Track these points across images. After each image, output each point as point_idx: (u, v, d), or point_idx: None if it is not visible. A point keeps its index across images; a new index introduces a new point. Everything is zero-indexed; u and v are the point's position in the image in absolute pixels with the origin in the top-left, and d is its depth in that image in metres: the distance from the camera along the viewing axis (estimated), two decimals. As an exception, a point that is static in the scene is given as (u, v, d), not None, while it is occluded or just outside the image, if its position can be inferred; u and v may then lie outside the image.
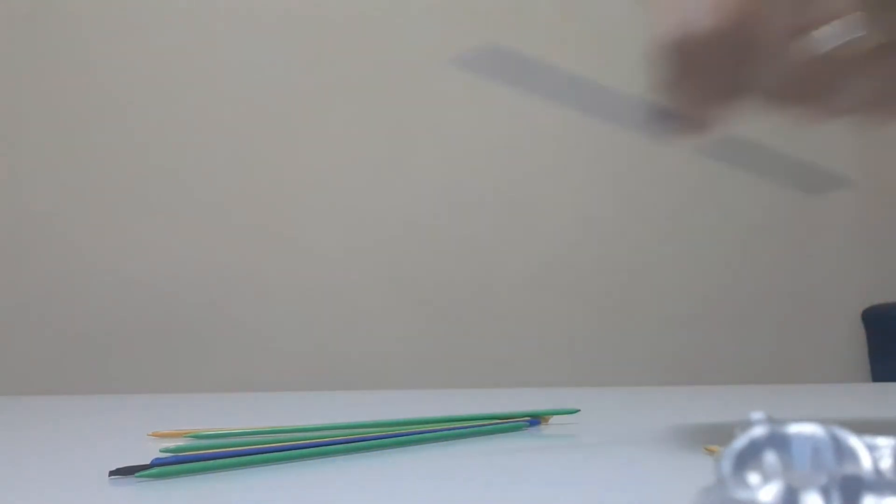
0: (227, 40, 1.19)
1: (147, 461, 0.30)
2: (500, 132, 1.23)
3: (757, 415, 0.16)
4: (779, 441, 0.15)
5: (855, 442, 0.15)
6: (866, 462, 0.15)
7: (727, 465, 0.15)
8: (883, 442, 0.15)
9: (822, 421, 0.16)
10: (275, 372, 1.16)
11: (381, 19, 1.23)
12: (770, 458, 0.15)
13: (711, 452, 0.31)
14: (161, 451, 0.32)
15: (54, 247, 1.14)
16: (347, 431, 0.37)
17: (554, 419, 0.42)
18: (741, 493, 0.14)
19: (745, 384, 0.69)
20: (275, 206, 1.19)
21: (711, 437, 0.33)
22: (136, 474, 0.29)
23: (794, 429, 0.15)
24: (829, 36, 0.24)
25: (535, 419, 0.41)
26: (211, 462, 0.31)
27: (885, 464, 0.15)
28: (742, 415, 0.15)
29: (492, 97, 1.23)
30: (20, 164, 1.15)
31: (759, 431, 0.15)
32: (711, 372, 1.22)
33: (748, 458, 0.15)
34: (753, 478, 0.15)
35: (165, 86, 1.18)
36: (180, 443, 0.35)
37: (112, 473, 0.29)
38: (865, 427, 0.39)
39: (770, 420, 0.15)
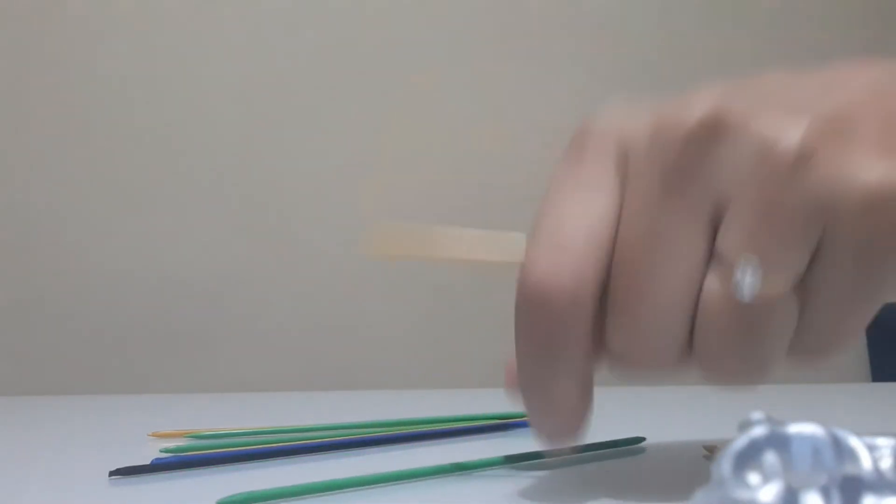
0: (228, 38, 1.19)
1: (147, 461, 0.30)
2: (503, 133, 1.23)
3: (757, 415, 0.16)
4: (779, 441, 0.15)
5: (855, 442, 0.15)
6: (866, 462, 0.15)
7: (727, 465, 0.15)
8: (883, 442, 0.15)
9: (822, 421, 0.16)
10: (275, 372, 1.16)
11: (382, 18, 1.23)
12: (770, 458, 0.15)
13: (711, 452, 0.31)
14: (161, 451, 0.32)
15: (54, 246, 1.14)
16: (347, 431, 0.37)
17: (554, 419, 0.42)
18: (741, 493, 0.14)
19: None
20: (275, 205, 1.19)
21: (711, 437, 0.33)
22: (137, 474, 0.29)
23: (794, 429, 0.15)
24: (743, 284, 0.21)
25: (535, 419, 0.41)
26: (211, 462, 0.31)
27: (885, 464, 0.15)
28: (742, 415, 0.15)
29: (494, 98, 1.23)
30: (19, 164, 1.15)
31: (759, 431, 0.15)
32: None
33: (748, 458, 0.15)
34: (753, 478, 0.15)
35: (163, 84, 1.18)
36: (180, 443, 0.35)
37: (112, 473, 0.29)
38: (865, 427, 0.39)
39: (770, 420, 0.15)
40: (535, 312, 0.22)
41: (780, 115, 0.21)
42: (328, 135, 1.21)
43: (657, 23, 1.28)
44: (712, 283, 0.21)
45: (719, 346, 0.22)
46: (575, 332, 0.22)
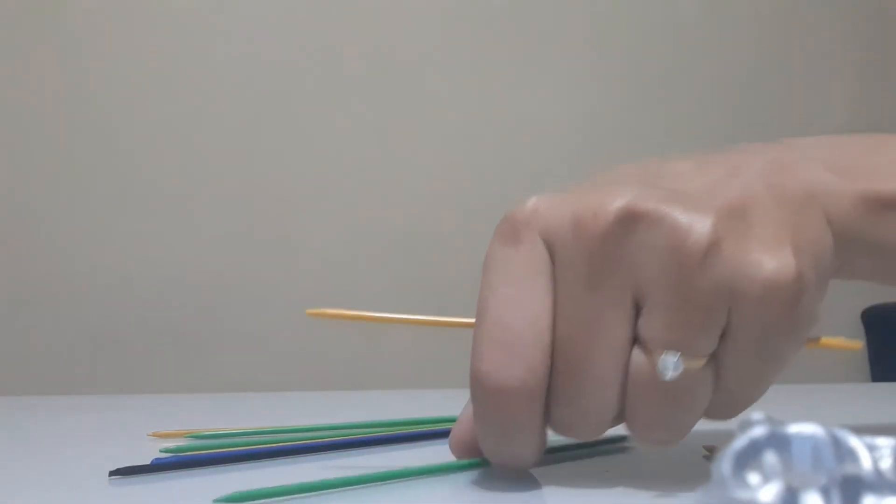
0: (226, 40, 1.19)
1: (147, 461, 0.30)
2: (504, 133, 1.23)
3: (757, 415, 0.16)
4: (779, 441, 0.15)
5: (855, 442, 0.15)
6: (866, 462, 0.15)
7: (727, 465, 0.15)
8: (883, 442, 0.15)
9: (822, 421, 0.16)
10: (274, 372, 1.16)
11: (383, 18, 1.23)
12: (770, 458, 0.15)
13: (711, 452, 0.31)
14: (161, 451, 0.32)
15: (54, 247, 1.14)
16: (347, 431, 0.37)
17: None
18: (741, 493, 0.14)
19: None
20: (274, 206, 1.19)
21: (711, 437, 0.33)
22: (136, 474, 0.29)
23: (794, 429, 0.15)
24: (666, 368, 0.23)
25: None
26: (211, 462, 0.31)
27: (885, 464, 0.15)
28: (742, 415, 0.16)
29: (496, 98, 1.23)
30: (19, 164, 1.15)
31: (759, 431, 0.15)
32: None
33: (748, 458, 0.15)
34: (753, 478, 0.15)
35: (163, 88, 1.18)
36: (180, 443, 0.35)
37: (112, 473, 0.29)
38: (865, 427, 0.39)
39: (770, 420, 0.15)
40: (491, 403, 0.25)
41: (689, 210, 0.23)
42: (327, 137, 1.21)
43: (659, 24, 1.28)
44: (638, 360, 0.24)
45: (647, 416, 0.25)
46: (529, 415, 0.25)
